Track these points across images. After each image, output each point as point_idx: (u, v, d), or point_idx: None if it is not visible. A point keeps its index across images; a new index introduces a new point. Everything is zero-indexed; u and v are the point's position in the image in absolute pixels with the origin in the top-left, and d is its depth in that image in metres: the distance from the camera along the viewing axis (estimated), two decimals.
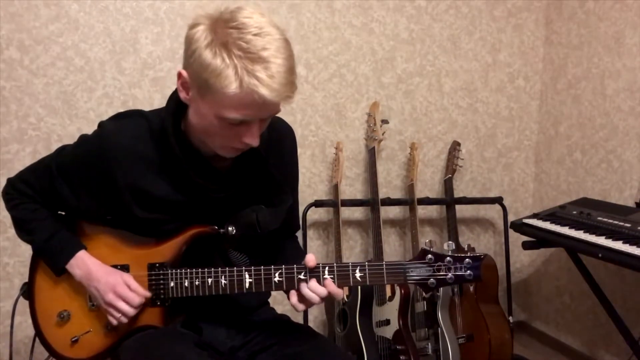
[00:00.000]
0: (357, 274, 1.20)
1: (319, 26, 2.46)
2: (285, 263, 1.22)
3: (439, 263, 1.18)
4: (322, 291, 1.19)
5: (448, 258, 1.18)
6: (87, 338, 1.32)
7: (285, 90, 1.06)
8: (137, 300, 1.25)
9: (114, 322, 1.27)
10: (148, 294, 1.27)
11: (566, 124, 2.71)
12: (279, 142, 1.36)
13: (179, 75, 1.13)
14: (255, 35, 1.05)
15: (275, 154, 1.33)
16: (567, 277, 2.73)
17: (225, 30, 1.06)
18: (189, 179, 1.23)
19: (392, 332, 2.23)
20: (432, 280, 1.19)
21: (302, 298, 1.21)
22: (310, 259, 1.20)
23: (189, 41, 1.09)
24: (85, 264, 1.30)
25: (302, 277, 1.21)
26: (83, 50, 2.15)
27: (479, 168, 2.84)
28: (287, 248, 1.43)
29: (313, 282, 1.20)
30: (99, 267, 1.29)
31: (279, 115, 1.19)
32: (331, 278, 1.20)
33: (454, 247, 1.26)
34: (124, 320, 1.27)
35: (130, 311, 1.25)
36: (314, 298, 1.19)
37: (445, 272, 1.18)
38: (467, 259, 1.18)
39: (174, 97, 1.21)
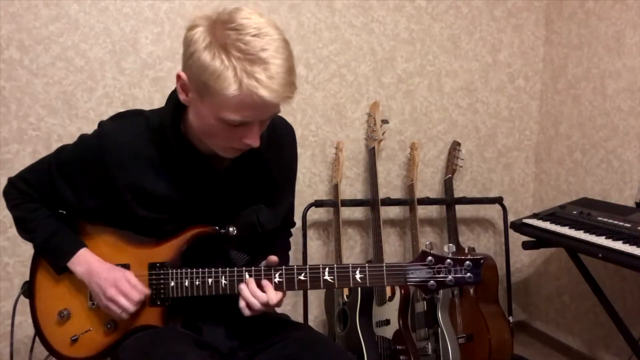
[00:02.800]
0: (357, 275, 1.20)
1: (319, 26, 2.45)
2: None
3: (439, 265, 1.18)
4: (262, 296, 1.21)
5: (448, 260, 1.18)
6: (87, 337, 1.32)
7: (285, 90, 1.06)
8: (137, 296, 1.25)
9: (116, 317, 1.28)
10: (147, 291, 1.28)
11: (566, 124, 2.70)
12: (279, 141, 1.36)
13: (178, 77, 1.13)
14: (254, 36, 1.04)
15: (275, 153, 1.33)
16: (567, 277, 2.73)
17: (223, 31, 1.05)
18: (188, 177, 1.24)
19: (392, 332, 2.23)
20: (432, 282, 1.19)
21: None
22: (273, 259, 1.25)
23: (188, 43, 1.09)
24: (87, 261, 1.30)
25: (302, 277, 1.21)
26: (83, 50, 2.15)
27: (479, 168, 2.84)
28: (276, 243, 1.45)
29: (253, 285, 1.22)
30: (100, 263, 1.30)
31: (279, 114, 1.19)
32: (331, 279, 1.20)
33: (454, 250, 1.26)
34: (125, 316, 1.27)
35: (130, 307, 1.25)
36: (252, 301, 1.21)
37: (445, 274, 1.18)
38: (467, 262, 1.18)
39: (173, 97, 1.22)
